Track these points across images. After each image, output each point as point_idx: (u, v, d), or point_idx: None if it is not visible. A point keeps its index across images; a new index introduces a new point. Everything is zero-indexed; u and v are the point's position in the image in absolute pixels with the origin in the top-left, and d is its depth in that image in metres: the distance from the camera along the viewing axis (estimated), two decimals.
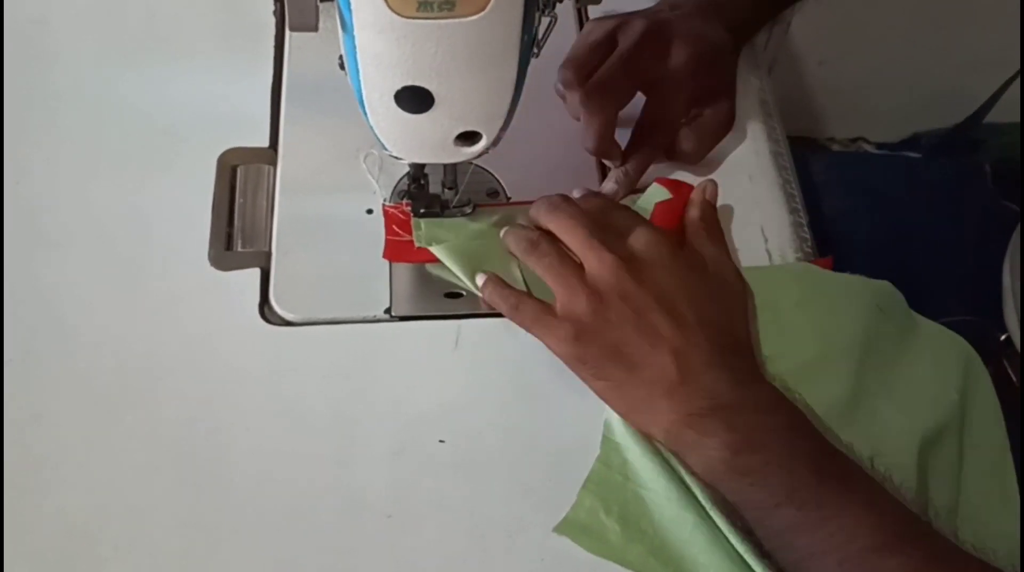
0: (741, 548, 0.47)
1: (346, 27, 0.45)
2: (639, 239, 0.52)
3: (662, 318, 0.49)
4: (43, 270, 0.58)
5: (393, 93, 0.46)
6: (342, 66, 0.50)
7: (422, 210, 0.60)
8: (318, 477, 0.52)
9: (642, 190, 0.61)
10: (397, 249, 0.58)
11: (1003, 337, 0.90)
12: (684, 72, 0.59)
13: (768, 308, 0.56)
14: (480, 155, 0.52)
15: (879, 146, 1.39)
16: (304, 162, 0.62)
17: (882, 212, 1.02)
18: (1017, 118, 1.15)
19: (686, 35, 0.60)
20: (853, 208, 0.99)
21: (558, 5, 0.47)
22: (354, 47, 0.45)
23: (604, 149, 0.59)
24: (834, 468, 0.47)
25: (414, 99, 0.46)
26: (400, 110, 0.47)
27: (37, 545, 0.49)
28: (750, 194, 0.63)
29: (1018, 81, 1.16)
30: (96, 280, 0.58)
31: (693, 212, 0.58)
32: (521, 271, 0.57)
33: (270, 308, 0.57)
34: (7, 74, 0.66)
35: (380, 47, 0.44)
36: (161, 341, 0.56)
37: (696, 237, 0.56)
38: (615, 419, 0.52)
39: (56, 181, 0.62)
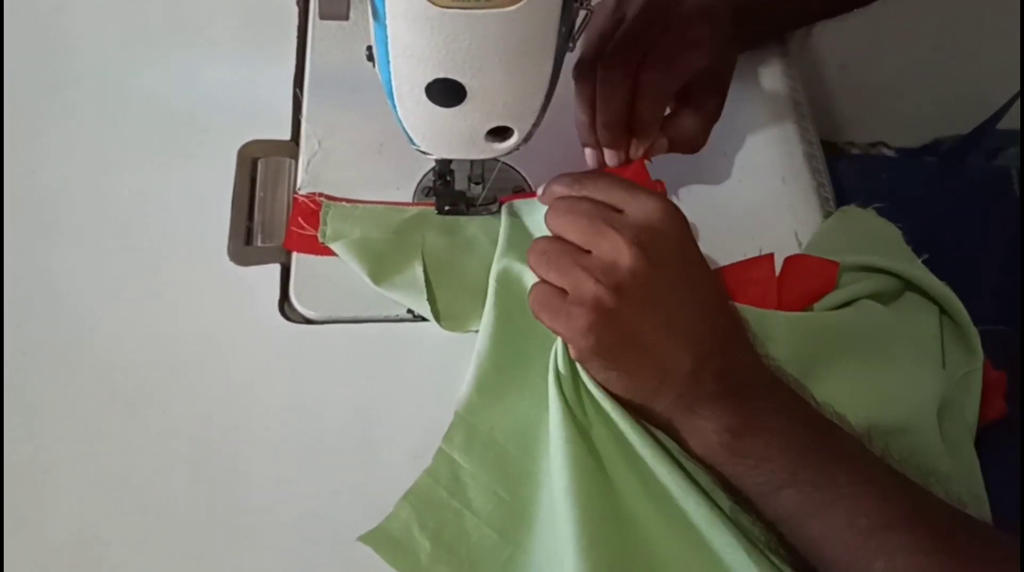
0: None
1: (378, 16, 0.43)
2: (646, 206, 0.47)
3: (680, 300, 0.46)
4: (59, 262, 0.57)
5: (424, 85, 0.45)
6: (370, 57, 0.48)
7: (447, 207, 0.58)
8: (337, 478, 0.51)
9: None
10: (300, 241, 0.57)
11: None
12: (684, 38, 0.55)
13: None
14: (511, 151, 0.50)
15: (899, 151, 1.38)
16: (326, 156, 0.61)
17: (906, 217, 1.00)
18: None
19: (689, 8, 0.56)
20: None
21: None
22: (385, 37, 0.44)
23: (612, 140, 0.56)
24: (834, 447, 0.46)
25: (446, 92, 0.45)
26: (431, 103, 0.46)
27: (47, 545, 0.48)
28: (783, 197, 0.62)
29: None
30: (113, 273, 0.57)
31: None
32: (426, 274, 0.55)
33: (290, 305, 0.56)
34: (26, 61, 0.65)
35: (412, 37, 0.43)
36: (178, 336, 0.55)
37: None
38: (460, 432, 0.50)
39: (74, 171, 0.61)
